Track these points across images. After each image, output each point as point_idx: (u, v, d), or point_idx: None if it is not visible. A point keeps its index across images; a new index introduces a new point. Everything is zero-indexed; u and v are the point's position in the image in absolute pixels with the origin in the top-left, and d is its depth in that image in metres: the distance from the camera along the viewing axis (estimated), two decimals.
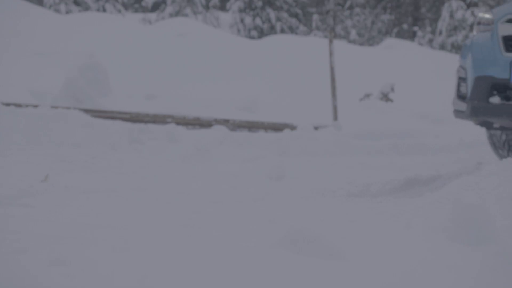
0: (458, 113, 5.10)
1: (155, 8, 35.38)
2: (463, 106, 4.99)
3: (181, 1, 33.13)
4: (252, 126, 10.68)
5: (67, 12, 28.51)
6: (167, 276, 1.34)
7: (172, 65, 15.25)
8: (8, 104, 8.06)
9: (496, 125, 5.07)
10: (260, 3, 32.47)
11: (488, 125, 5.15)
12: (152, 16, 33.45)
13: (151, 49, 15.85)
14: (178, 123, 9.76)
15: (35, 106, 8.64)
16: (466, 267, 1.44)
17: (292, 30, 32.66)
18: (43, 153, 4.35)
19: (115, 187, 3.65)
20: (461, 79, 5.02)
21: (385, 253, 1.50)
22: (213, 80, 14.92)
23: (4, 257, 1.43)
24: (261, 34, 31.69)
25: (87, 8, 30.09)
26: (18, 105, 8.46)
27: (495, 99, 4.63)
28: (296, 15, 33.75)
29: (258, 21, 32.38)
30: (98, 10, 30.51)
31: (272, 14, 32.49)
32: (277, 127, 10.67)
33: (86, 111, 9.01)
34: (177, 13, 32.40)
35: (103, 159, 4.39)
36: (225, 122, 10.37)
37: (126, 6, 35.28)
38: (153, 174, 4.11)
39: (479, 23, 4.93)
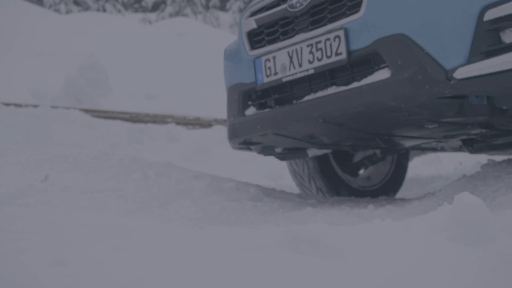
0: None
1: (155, 8, 35.39)
2: None
3: (181, 1, 33.13)
4: None
5: (67, 12, 28.53)
6: (167, 276, 1.34)
7: (172, 65, 15.23)
8: (8, 104, 8.07)
9: (278, 149, 3.99)
10: None
11: (270, 152, 4.04)
12: (152, 16, 33.46)
13: (151, 49, 15.84)
14: (178, 123, 9.76)
15: (35, 106, 8.64)
16: (466, 267, 1.44)
17: None
18: (43, 153, 4.35)
19: (116, 187, 3.65)
20: None
21: (385, 253, 1.50)
22: (213, 80, 14.89)
23: (4, 257, 1.43)
24: None
25: (87, 8, 30.11)
26: (18, 105, 8.46)
27: (250, 111, 3.63)
28: None
29: None
30: (98, 10, 30.52)
31: None
32: None
33: (86, 111, 9.02)
34: (177, 13, 32.42)
35: (103, 159, 4.39)
36: (225, 122, 10.37)
37: (126, 6, 35.26)
38: (152, 174, 4.11)
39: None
